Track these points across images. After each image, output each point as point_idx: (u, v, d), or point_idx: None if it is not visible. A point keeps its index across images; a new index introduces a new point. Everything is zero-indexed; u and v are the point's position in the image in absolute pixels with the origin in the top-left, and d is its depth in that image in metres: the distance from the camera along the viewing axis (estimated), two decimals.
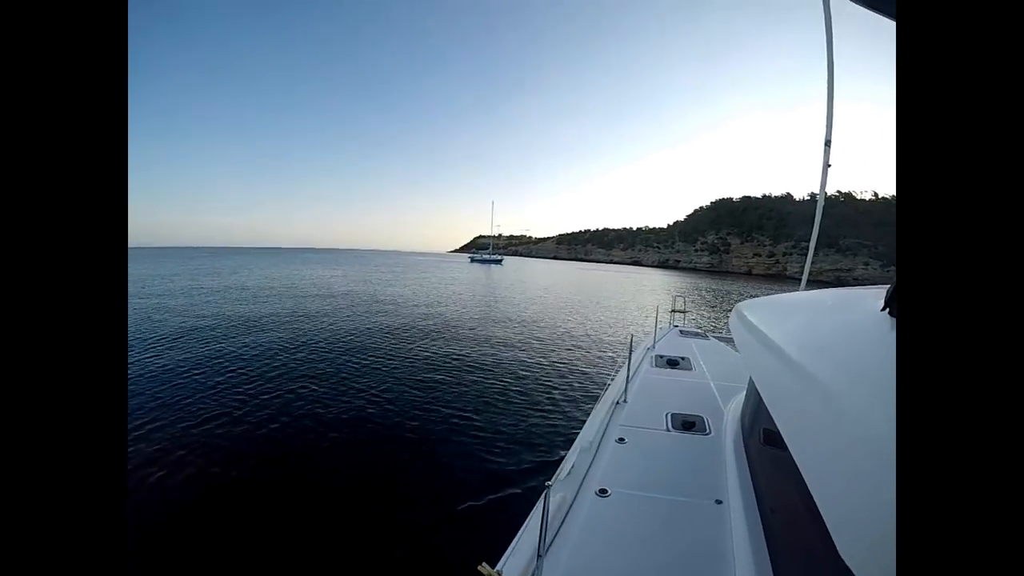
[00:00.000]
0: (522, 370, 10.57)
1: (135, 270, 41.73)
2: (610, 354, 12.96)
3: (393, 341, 13.45)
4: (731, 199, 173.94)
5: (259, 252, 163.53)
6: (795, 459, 1.15)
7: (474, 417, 7.41)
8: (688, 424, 3.35)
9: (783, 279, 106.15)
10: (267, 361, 10.74)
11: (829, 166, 5.89)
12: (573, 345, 14.03)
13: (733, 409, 3.59)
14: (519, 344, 13.75)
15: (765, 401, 1.56)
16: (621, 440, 3.11)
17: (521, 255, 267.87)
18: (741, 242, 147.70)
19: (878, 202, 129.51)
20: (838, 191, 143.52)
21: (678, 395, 4.14)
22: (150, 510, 4.87)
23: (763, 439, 2.39)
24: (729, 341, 7.02)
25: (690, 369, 5.02)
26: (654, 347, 6.02)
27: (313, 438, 6.65)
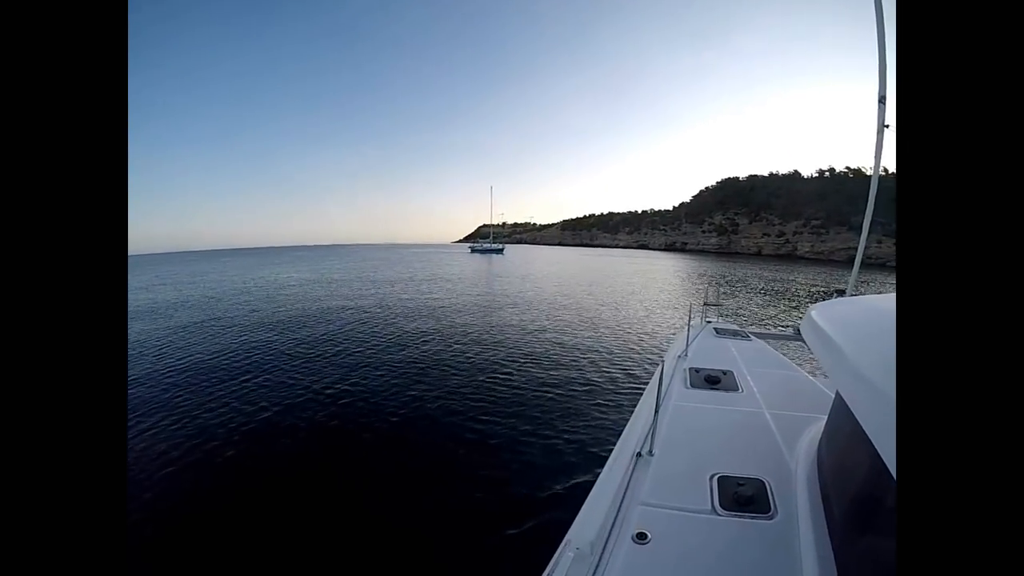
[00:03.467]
0: (513, 397, 8.21)
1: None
2: (628, 366, 10.19)
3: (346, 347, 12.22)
4: (737, 178, 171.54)
5: (248, 253, 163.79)
6: None
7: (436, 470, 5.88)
8: (744, 500, 2.31)
9: (794, 259, 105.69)
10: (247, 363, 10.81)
11: (887, 126, 5.21)
12: (580, 355, 11.20)
13: (804, 460, 2.57)
14: (510, 356, 11.07)
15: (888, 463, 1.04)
16: (641, 537, 2.07)
17: (526, 243, 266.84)
18: (749, 222, 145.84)
19: (888, 178, 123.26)
20: (847, 167, 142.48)
21: (724, 436, 3.01)
22: (150, 512, 4.90)
23: (863, 523, 1.61)
24: (774, 338, 6.25)
25: (736, 389, 3.82)
26: (686, 355, 4.82)
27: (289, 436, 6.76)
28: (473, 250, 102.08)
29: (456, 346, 12.18)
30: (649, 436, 2.82)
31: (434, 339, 13.14)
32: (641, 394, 3.50)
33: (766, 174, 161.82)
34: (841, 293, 8.38)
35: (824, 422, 2.56)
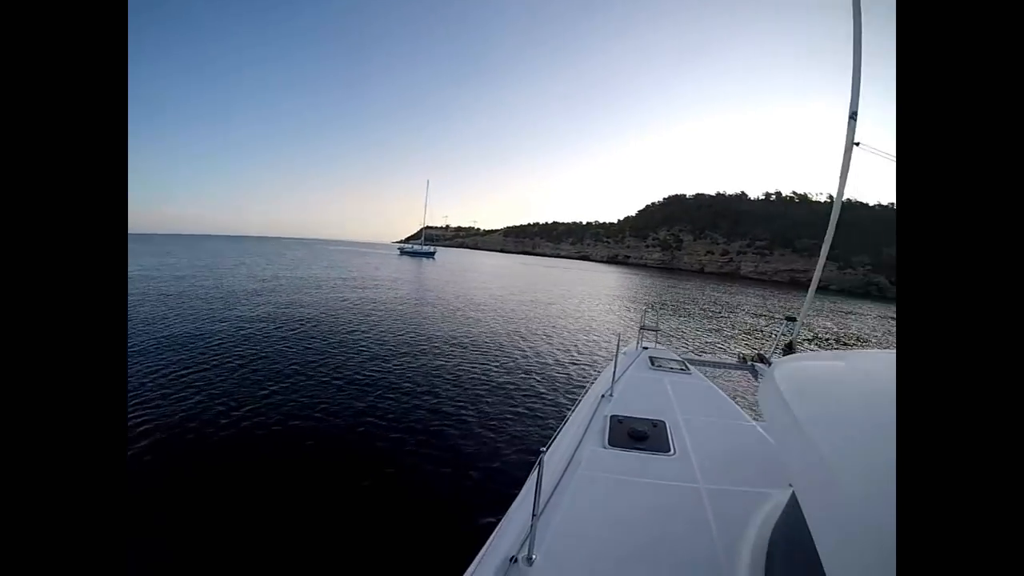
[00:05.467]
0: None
1: None
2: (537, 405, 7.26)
3: None
4: (684, 196, 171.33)
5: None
6: None
7: None
8: None
9: (736, 278, 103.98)
10: None
11: (856, 144, 4.98)
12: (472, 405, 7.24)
13: (749, 567, 1.98)
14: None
15: None
16: None
17: (468, 247, 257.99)
18: (694, 239, 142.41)
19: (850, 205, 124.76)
20: (793, 192, 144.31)
21: (642, 526, 2.25)
22: (149, 509, 4.78)
23: None
24: (715, 367, 6.14)
25: (666, 450, 3.03)
26: (611, 394, 3.99)
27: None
28: (403, 252, 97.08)
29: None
30: (531, 530, 2.05)
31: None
32: (544, 451, 2.20)
33: (713, 193, 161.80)
34: (791, 320, 6.25)
35: (775, 506, 2.19)
